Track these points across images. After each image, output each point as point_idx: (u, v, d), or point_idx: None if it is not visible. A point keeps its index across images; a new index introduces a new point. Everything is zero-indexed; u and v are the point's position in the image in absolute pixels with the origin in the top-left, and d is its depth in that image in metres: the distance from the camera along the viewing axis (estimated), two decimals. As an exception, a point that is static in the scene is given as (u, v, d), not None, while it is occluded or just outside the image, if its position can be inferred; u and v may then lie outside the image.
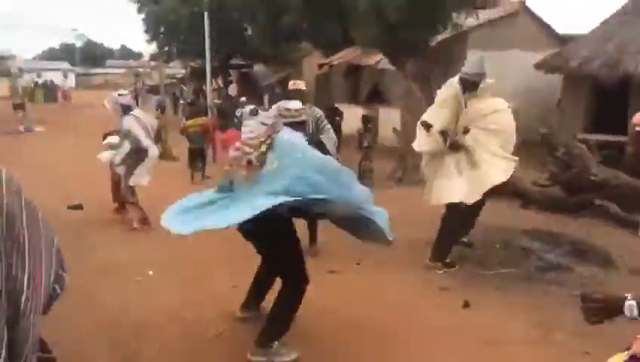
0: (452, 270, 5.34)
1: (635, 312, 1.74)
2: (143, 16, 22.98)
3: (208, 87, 21.26)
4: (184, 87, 21.77)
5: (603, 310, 1.83)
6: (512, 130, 5.31)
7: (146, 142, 6.57)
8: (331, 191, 3.27)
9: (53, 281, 1.71)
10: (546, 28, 13.83)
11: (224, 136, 10.38)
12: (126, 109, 6.74)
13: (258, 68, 23.97)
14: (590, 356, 3.66)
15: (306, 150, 3.45)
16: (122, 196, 6.94)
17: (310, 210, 3.54)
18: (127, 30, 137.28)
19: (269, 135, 3.51)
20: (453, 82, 5.30)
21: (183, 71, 32.24)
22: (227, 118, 14.66)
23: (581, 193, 6.75)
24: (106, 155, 7.00)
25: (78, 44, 75.02)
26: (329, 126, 5.91)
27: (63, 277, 1.80)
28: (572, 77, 11.03)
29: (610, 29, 10.88)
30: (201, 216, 3.43)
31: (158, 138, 7.83)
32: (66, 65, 62.40)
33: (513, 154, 5.27)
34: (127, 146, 6.58)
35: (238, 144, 3.65)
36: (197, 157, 10.34)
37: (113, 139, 7.11)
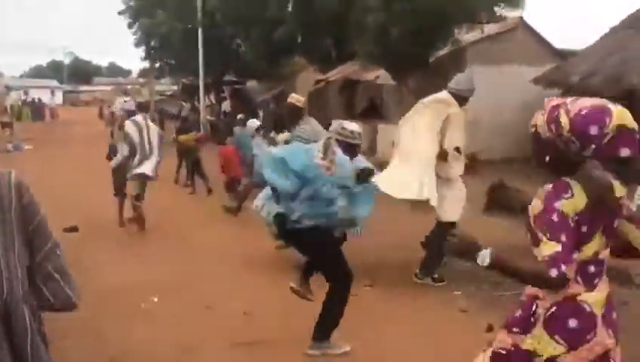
0: (442, 284, 5.31)
1: (487, 261, 1.94)
2: (133, 30, 22.82)
3: (201, 104, 21.03)
4: (184, 104, 21.34)
5: (461, 253, 2.03)
6: None
7: (137, 141, 7.08)
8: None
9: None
10: (544, 43, 13.80)
11: (221, 151, 10.07)
12: (130, 114, 7.36)
13: (251, 84, 23.87)
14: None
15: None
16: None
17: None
18: (116, 46, 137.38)
19: (331, 159, 3.77)
20: (447, 99, 5.16)
21: (174, 87, 32.10)
22: (221, 135, 14.45)
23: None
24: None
25: (66, 61, 74.69)
26: None
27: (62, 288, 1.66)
28: (572, 92, 10.96)
29: (611, 44, 10.83)
30: None
31: None
32: (54, 83, 61.98)
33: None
34: (126, 148, 7.13)
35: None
36: (193, 171, 10.12)
37: None
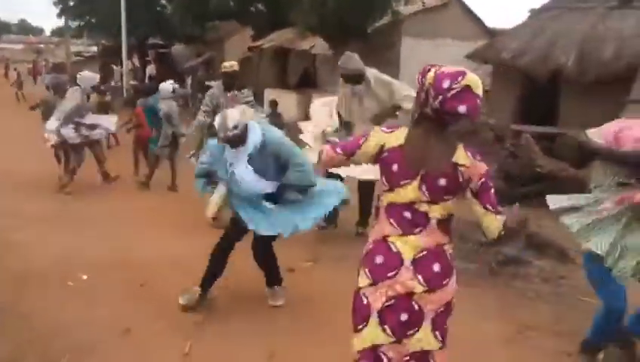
0: None
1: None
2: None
3: (124, 67, 19.85)
4: (115, 67, 19.97)
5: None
6: None
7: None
8: None
9: None
10: (476, 20, 14.08)
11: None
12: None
13: (177, 48, 22.82)
14: (571, 357, 3.55)
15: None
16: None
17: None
18: (27, 3, 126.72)
19: None
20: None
21: (93, 49, 30.15)
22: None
23: (527, 184, 6.78)
24: None
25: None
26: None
27: None
28: (502, 68, 11.24)
29: (537, 24, 11.16)
30: None
31: None
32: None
33: None
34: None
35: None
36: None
37: None
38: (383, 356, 2.25)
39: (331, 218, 5.76)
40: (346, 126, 5.67)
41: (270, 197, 3.85)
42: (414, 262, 2.19)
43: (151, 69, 19.72)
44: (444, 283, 2.26)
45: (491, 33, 13.76)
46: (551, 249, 5.47)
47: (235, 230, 3.94)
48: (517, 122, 10.60)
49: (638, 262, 2.83)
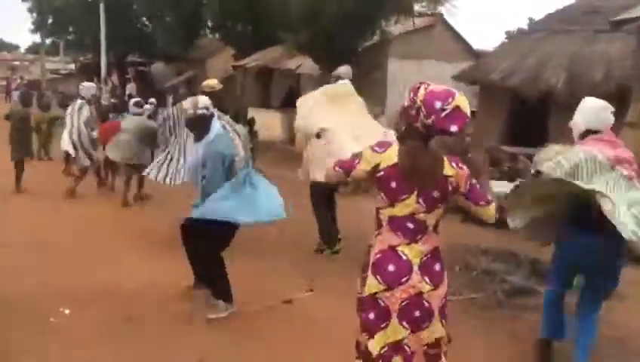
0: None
1: None
2: (27, 5, 20.63)
3: (103, 85, 19.43)
4: (103, 86, 19.47)
5: None
6: None
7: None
8: None
9: None
10: (462, 41, 14.13)
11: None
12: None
13: (157, 66, 22.50)
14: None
15: None
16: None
17: None
18: (1, 19, 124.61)
19: None
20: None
21: (71, 66, 29.57)
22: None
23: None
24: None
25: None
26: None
27: None
28: (490, 89, 11.21)
29: (525, 45, 11.19)
30: None
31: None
32: None
33: None
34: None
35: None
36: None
37: None
38: (406, 347, 2.49)
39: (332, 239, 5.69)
40: None
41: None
42: (421, 266, 2.46)
43: (131, 88, 19.34)
44: (443, 278, 2.53)
45: (476, 55, 13.81)
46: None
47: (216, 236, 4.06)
48: (505, 144, 10.54)
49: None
